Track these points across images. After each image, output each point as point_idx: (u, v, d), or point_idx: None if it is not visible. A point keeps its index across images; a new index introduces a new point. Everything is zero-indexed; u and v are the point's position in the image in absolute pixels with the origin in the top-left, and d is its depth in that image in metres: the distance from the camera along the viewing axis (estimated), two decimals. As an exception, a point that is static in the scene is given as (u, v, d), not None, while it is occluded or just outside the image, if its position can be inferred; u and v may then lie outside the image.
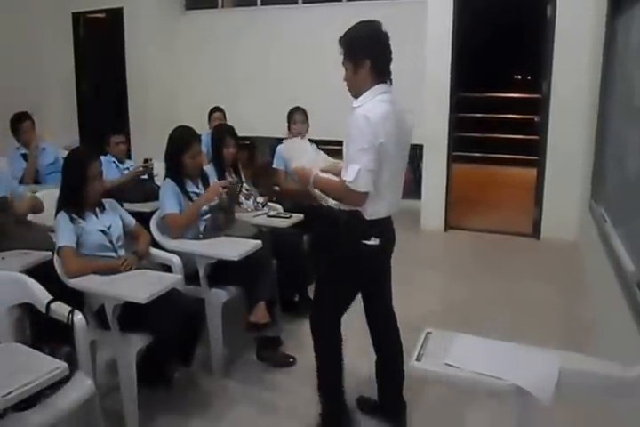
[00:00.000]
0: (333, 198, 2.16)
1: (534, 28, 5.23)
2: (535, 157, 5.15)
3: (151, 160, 3.92)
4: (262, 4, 6.58)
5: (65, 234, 2.41)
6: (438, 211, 5.31)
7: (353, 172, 1.98)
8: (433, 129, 5.19)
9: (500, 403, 2.18)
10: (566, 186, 4.82)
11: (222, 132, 3.57)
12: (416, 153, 5.66)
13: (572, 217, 4.77)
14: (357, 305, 2.37)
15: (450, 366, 1.69)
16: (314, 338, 2.28)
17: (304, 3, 6.34)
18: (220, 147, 3.48)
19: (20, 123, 4.26)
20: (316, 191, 2.25)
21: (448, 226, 5.35)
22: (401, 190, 2.21)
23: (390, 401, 2.42)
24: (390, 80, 2.11)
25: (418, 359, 1.77)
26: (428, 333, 1.91)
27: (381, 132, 1.98)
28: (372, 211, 2.08)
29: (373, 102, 2.04)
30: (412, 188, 6.01)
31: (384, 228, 2.15)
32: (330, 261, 2.25)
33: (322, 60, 6.01)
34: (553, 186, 4.93)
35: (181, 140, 2.93)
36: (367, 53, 2.05)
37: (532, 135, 5.49)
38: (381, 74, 2.08)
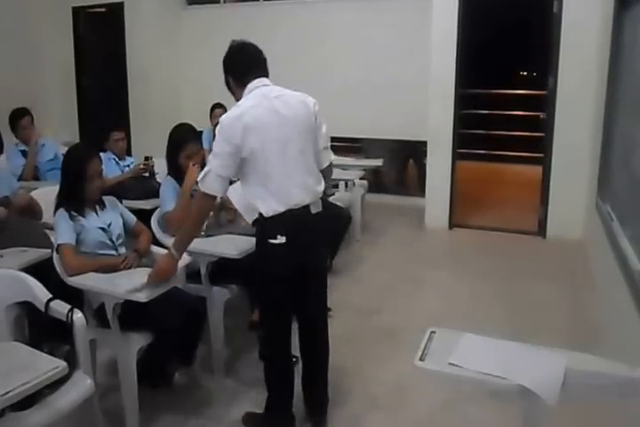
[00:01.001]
0: (196, 218, 2.23)
1: (540, 24, 5.20)
2: (541, 155, 5.12)
3: (152, 158, 3.91)
4: (265, 0, 6.56)
5: (64, 232, 2.41)
6: (443, 209, 5.30)
7: (203, 172, 2.12)
8: (437, 126, 5.18)
9: (505, 403, 2.18)
10: (572, 184, 4.81)
11: None
12: (420, 150, 5.67)
13: (578, 215, 4.76)
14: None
15: (454, 365, 1.69)
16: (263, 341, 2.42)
17: (308, -2, 6.33)
18: None
19: (19, 119, 4.25)
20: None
21: (453, 224, 5.34)
22: (301, 181, 2.16)
23: (313, 399, 2.43)
24: (264, 74, 2.25)
25: (421, 359, 1.77)
26: (431, 332, 1.91)
27: (235, 133, 2.06)
28: (265, 209, 2.12)
29: (237, 105, 2.16)
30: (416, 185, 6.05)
31: (291, 224, 2.13)
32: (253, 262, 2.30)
33: (326, 55, 6.02)
34: (559, 184, 4.91)
35: (177, 139, 2.95)
36: (226, 69, 2.28)
37: (538, 132, 5.47)
38: (245, 77, 2.21)
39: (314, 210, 2.19)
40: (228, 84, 2.29)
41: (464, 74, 5.13)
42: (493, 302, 3.65)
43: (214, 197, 2.14)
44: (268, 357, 2.37)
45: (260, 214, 2.15)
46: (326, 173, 2.31)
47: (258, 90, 2.17)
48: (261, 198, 2.13)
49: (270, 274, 2.20)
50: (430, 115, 5.19)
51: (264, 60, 2.27)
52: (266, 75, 2.25)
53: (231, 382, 2.77)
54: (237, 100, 2.23)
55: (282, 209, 2.11)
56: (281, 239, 2.11)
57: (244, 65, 2.24)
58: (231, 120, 2.09)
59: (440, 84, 5.10)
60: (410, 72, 5.64)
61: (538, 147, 5.36)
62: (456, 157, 5.27)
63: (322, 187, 2.24)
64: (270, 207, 2.12)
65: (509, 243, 4.91)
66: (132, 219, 2.73)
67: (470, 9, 5.00)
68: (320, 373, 2.40)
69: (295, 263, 2.17)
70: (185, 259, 2.34)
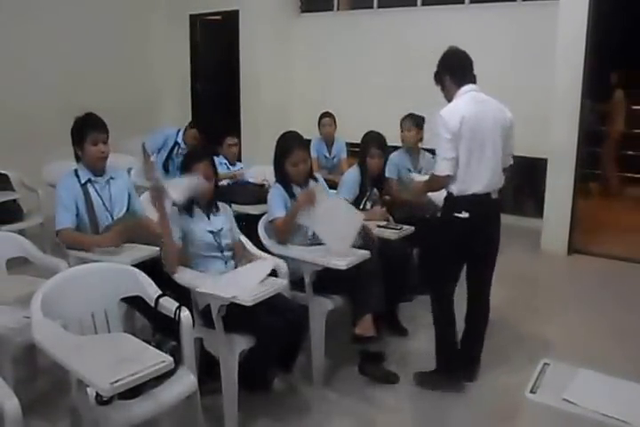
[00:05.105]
0: (429, 188, 2.94)
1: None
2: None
3: (266, 185, 3.99)
4: (379, 7, 6.61)
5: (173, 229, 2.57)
6: (561, 232, 5.09)
7: (435, 160, 2.76)
8: (559, 142, 4.99)
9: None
10: None
11: (367, 140, 3.63)
12: (538, 167, 5.45)
13: None
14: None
15: (568, 402, 1.63)
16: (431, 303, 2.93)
17: (423, 5, 6.33)
18: (364, 155, 3.58)
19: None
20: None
21: (572, 249, 5.12)
22: (489, 173, 2.69)
23: (470, 354, 2.95)
24: (474, 81, 2.79)
25: (532, 391, 1.73)
26: (545, 364, 1.87)
27: (453, 123, 2.61)
28: (457, 189, 2.70)
29: (452, 103, 2.74)
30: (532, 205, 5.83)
31: (474, 204, 2.70)
32: (432, 232, 2.88)
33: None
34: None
35: (283, 147, 3.03)
36: (445, 70, 2.83)
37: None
38: (462, 79, 2.77)
39: (493, 196, 2.76)
40: (441, 81, 2.84)
41: (593, 86, 4.90)
42: (609, 337, 3.48)
43: (445, 177, 2.69)
44: (435, 317, 2.90)
45: (450, 193, 2.74)
46: (505, 173, 2.84)
47: (469, 93, 2.74)
48: (456, 180, 2.68)
49: (454, 241, 2.76)
50: (552, 131, 5.01)
51: (473, 68, 2.82)
52: (475, 81, 2.80)
53: (329, 393, 2.84)
54: (448, 96, 2.81)
55: (470, 191, 2.69)
56: (465, 214, 2.69)
57: (461, 69, 2.80)
58: (451, 112, 2.66)
59: (564, 97, 4.91)
60: (531, 83, 5.48)
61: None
62: (579, 177, 5.04)
63: (503, 181, 2.80)
64: (462, 188, 2.69)
65: (635, 274, 4.64)
66: (238, 236, 2.86)
67: (602, 13, 4.75)
68: (481, 333, 2.93)
69: (473, 235, 2.73)
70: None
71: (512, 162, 2.90)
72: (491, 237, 2.85)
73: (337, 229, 2.82)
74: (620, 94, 6.85)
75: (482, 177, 2.69)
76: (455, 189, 2.71)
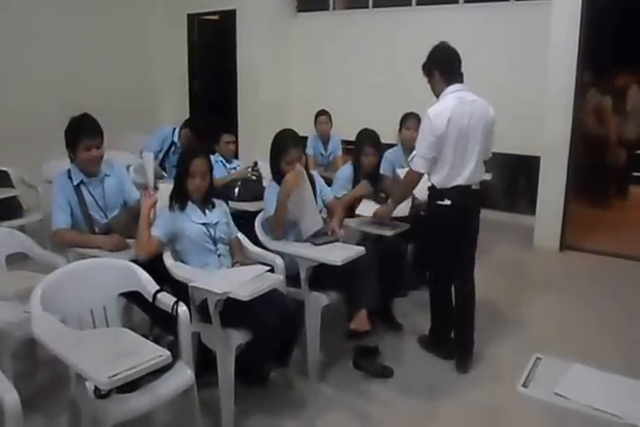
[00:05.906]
0: (406, 187, 3.02)
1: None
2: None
3: (257, 164, 4.02)
4: (374, 6, 6.62)
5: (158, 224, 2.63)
6: (554, 229, 5.11)
7: (412, 155, 2.95)
8: (552, 140, 5.00)
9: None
10: None
11: (361, 138, 3.61)
12: (531, 165, 5.46)
13: None
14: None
15: (560, 396, 1.64)
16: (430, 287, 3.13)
17: (418, 5, 6.33)
18: (359, 153, 3.56)
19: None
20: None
21: (564, 246, 5.13)
22: (471, 168, 2.82)
23: (462, 341, 3.02)
24: (461, 80, 2.87)
25: (525, 385, 1.73)
26: (537, 358, 1.88)
27: (440, 125, 2.74)
28: (439, 182, 2.86)
29: (440, 101, 2.84)
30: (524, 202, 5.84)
31: (455, 194, 2.84)
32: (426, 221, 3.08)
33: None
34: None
35: (279, 145, 3.03)
36: (435, 65, 2.88)
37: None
38: (450, 78, 2.85)
39: (473, 187, 2.90)
40: (429, 74, 2.90)
41: (587, 84, 4.87)
42: (601, 332, 3.49)
43: (421, 174, 2.87)
44: (433, 298, 3.09)
45: (433, 185, 2.88)
46: (485, 165, 2.97)
47: (456, 93, 2.83)
48: (439, 174, 2.84)
49: (440, 226, 2.91)
50: (546, 129, 5.02)
51: (461, 66, 2.89)
52: (462, 80, 2.88)
53: (325, 387, 2.85)
54: (435, 91, 2.90)
55: (451, 185, 2.83)
56: (447, 202, 2.85)
57: (450, 66, 2.87)
58: (439, 112, 2.77)
59: (558, 96, 4.90)
60: (525, 82, 5.49)
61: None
62: (572, 173, 5.03)
63: (483, 175, 2.96)
64: (444, 182, 2.84)
65: (628, 271, 4.64)
66: (235, 232, 2.88)
67: (595, 12, 4.72)
68: (469, 318, 3.00)
69: (455, 222, 2.87)
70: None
71: (491, 155, 3.03)
72: (470, 225, 2.98)
73: (311, 209, 2.90)
74: (593, 93, 6.84)
75: (464, 172, 2.83)
76: (438, 182, 2.86)
